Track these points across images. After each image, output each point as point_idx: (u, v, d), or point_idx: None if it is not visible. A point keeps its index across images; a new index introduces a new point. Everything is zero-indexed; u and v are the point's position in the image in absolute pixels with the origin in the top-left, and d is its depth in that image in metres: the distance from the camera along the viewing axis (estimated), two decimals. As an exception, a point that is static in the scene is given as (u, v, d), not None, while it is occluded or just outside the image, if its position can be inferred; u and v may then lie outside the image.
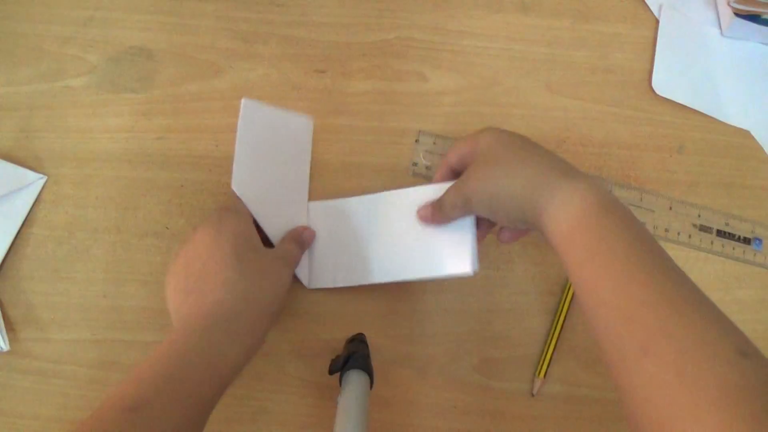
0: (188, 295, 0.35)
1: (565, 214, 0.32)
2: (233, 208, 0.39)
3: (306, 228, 0.43)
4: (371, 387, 0.38)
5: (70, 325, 0.42)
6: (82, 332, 0.42)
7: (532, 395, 0.43)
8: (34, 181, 0.44)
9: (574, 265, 0.31)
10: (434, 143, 0.48)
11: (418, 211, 0.40)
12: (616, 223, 0.31)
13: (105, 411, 0.29)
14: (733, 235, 0.49)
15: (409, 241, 0.41)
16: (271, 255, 0.38)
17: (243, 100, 0.41)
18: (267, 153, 0.43)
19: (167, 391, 0.30)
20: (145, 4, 0.50)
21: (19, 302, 0.42)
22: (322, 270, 0.43)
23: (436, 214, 0.39)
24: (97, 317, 0.42)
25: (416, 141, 0.48)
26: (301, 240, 0.42)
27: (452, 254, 0.39)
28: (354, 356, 0.37)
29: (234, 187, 0.39)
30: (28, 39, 0.48)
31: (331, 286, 0.43)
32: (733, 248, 0.48)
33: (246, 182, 0.40)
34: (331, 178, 0.46)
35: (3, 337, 0.41)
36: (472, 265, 0.37)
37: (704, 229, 0.48)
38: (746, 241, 0.49)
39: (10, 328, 0.42)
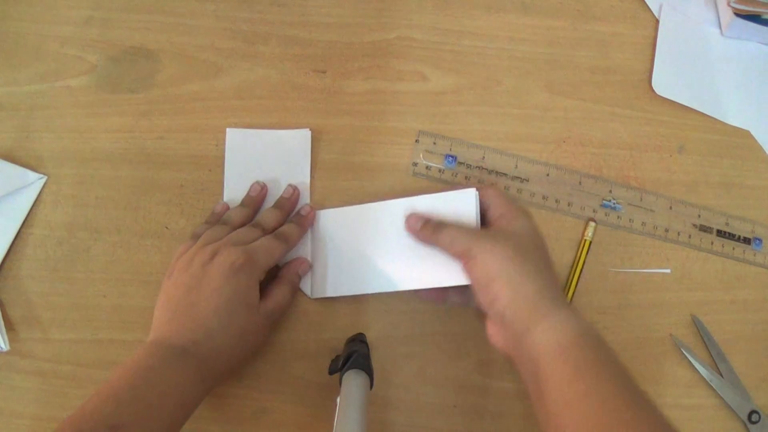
0: (174, 318, 0.37)
1: (562, 331, 0.34)
2: (252, 262, 0.39)
3: (303, 261, 0.43)
4: (371, 387, 0.38)
5: (70, 325, 0.42)
6: (82, 332, 0.42)
7: None
8: (34, 181, 0.44)
9: (563, 378, 0.33)
10: (434, 143, 0.48)
11: (407, 219, 0.40)
12: (602, 348, 0.34)
13: (86, 427, 0.31)
14: (733, 235, 0.49)
15: (411, 251, 0.41)
16: (260, 315, 0.39)
17: (228, 130, 0.46)
18: (259, 172, 0.45)
19: (145, 416, 0.32)
20: (145, 4, 0.50)
21: (19, 302, 0.42)
22: (325, 279, 0.43)
23: (427, 231, 0.39)
24: (97, 317, 0.42)
25: (416, 141, 0.48)
26: (298, 280, 0.43)
27: (453, 264, 0.39)
28: (354, 356, 0.37)
29: None
30: (28, 39, 0.48)
31: (333, 295, 0.43)
32: (733, 248, 0.48)
33: (236, 204, 0.44)
34: (331, 178, 0.46)
35: (3, 337, 0.41)
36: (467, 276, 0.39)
37: (704, 229, 0.48)
38: (746, 241, 0.49)
39: (10, 328, 0.42)
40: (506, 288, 0.35)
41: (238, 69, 0.49)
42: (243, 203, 0.44)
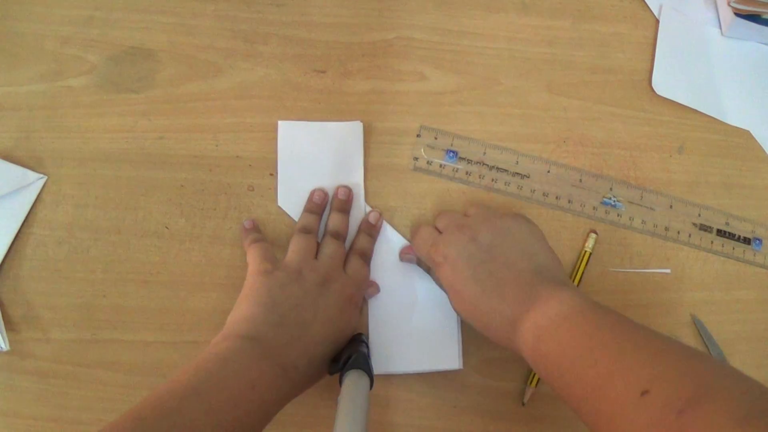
0: (280, 328, 0.36)
1: (525, 347, 0.34)
2: (361, 295, 0.41)
3: (372, 284, 0.43)
4: (371, 387, 0.37)
5: (70, 325, 0.42)
6: (82, 332, 0.42)
7: (523, 404, 0.43)
8: (34, 181, 0.44)
9: (546, 369, 0.33)
10: (435, 138, 0.48)
11: (403, 250, 0.44)
12: (578, 328, 0.32)
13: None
14: (733, 235, 0.49)
15: (400, 335, 0.43)
16: (350, 330, 0.40)
17: (279, 122, 0.46)
18: (311, 166, 0.46)
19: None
20: (145, 4, 0.50)
21: (19, 302, 0.42)
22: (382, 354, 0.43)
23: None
24: (97, 317, 0.42)
25: (418, 136, 0.48)
26: (362, 301, 0.43)
27: (442, 351, 0.42)
28: (354, 356, 0.37)
29: (279, 204, 0.45)
30: (28, 39, 0.48)
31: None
32: (733, 248, 0.48)
33: (290, 198, 0.45)
34: (331, 178, 0.46)
35: (3, 337, 0.41)
36: (459, 361, 0.42)
37: (704, 228, 0.48)
38: (746, 241, 0.49)
39: (10, 328, 0.42)
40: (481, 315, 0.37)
41: (238, 69, 0.49)
42: (310, 210, 0.44)
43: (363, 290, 0.42)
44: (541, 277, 0.36)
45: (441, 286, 0.41)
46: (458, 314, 0.39)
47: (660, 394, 0.26)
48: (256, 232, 0.44)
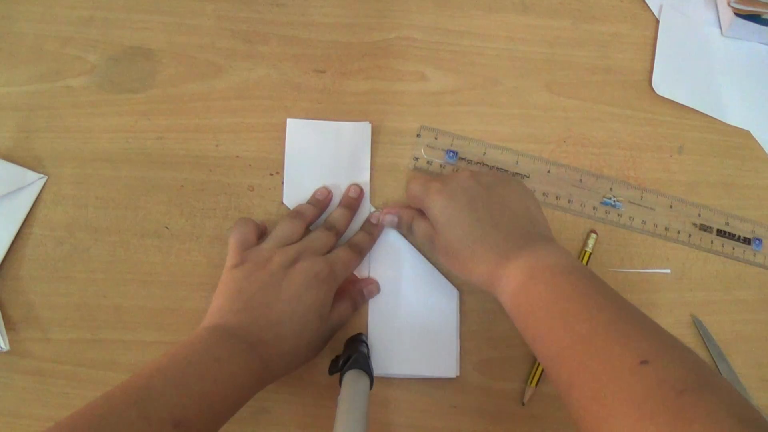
0: (245, 311, 0.37)
1: (512, 284, 0.35)
2: (333, 274, 0.40)
3: (371, 282, 0.43)
4: (371, 387, 0.38)
5: (70, 325, 0.42)
6: (82, 332, 0.42)
7: (523, 404, 0.43)
8: (34, 181, 0.44)
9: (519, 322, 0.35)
10: (436, 138, 0.48)
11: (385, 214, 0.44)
12: (543, 288, 0.33)
13: (154, 416, 0.30)
14: (733, 235, 0.49)
15: (398, 338, 0.42)
16: (327, 327, 0.40)
17: (288, 120, 0.46)
18: (318, 165, 0.46)
19: (207, 414, 0.32)
20: (145, 4, 0.50)
21: (19, 302, 0.42)
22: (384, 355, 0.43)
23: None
24: (97, 317, 0.42)
25: (418, 135, 0.48)
26: (361, 299, 0.43)
27: (439, 358, 0.42)
28: (354, 356, 0.37)
29: (285, 201, 0.45)
30: (28, 39, 0.48)
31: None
32: (733, 248, 0.48)
33: (296, 196, 0.45)
34: (331, 178, 0.46)
35: (3, 337, 0.41)
36: (456, 369, 0.42)
37: (704, 228, 0.48)
38: (746, 241, 0.49)
39: (10, 328, 0.42)
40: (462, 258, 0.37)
41: (238, 69, 0.49)
42: (310, 202, 0.44)
43: (339, 272, 0.40)
44: (539, 230, 0.37)
45: (422, 238, 0.41)
46: (438, 253, 0.39)
47: (660, 369, 0.26)
48: (239, 220, 0.42)
